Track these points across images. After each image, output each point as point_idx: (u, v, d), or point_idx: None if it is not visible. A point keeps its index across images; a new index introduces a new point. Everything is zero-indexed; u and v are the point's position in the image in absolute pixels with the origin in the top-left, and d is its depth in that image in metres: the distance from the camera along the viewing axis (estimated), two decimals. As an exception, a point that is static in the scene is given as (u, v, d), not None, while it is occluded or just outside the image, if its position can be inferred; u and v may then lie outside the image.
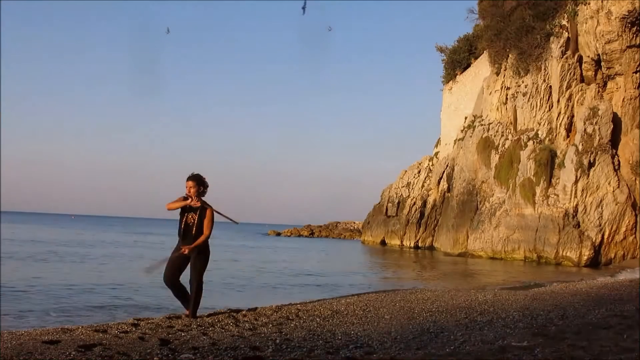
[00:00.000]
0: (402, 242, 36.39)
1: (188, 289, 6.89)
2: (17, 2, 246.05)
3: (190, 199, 6.76)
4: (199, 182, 6.83)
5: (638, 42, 22.27)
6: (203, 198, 6.90)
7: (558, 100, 25.09)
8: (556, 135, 25.08)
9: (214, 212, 6.88)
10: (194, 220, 6.77)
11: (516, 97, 27.56)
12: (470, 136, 30.82)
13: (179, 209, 6.87)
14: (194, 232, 6.77)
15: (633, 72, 22.84)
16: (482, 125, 30.15)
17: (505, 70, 28.72)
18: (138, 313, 7.96)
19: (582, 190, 22.45)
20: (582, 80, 24.93)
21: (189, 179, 6.82)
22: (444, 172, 35.03)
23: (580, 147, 22.92)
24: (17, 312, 7.88)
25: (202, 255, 6.84)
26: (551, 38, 25.65)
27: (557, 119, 25.15)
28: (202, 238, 6.76)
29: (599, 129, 22.81)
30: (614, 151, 22.93)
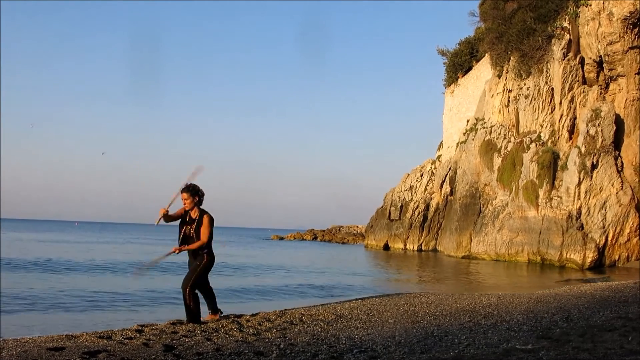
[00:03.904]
0: (405, 245, 36.34)
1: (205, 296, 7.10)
2: (15, 3, 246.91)
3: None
4: (193, 193, 6.85)
5: (640, 44, 22.26)
6: (202, 207, 6.97)
7: (560, 102, 25.05)
8: (559, 138, 25.03)
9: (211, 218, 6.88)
10: (192, 232, 6.81)
11: (518, 99, 27.55)
12: (473, 139, 30.81)
13: (178, 223, 6.94)
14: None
15: (635, 74, 22.80)
16: (484, 128, 30.14)
17: (507, 72, 28.71)
18: (141, 319, 7.96)
19: (586, 192, 22.39)
20: (584, 82, 24.90)
21: (183, 190, 6.86)
22: (446, 175, 35.01)
23: (583, 149, 22.88)
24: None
25: (198, 260, 6.84)
26: (553, 40, 25.64)
27: (559, 121, 25.12)
28: (197, 244, 6.78)
29: (601, 130, 22.77)
30: (617, 153, 22.88)
